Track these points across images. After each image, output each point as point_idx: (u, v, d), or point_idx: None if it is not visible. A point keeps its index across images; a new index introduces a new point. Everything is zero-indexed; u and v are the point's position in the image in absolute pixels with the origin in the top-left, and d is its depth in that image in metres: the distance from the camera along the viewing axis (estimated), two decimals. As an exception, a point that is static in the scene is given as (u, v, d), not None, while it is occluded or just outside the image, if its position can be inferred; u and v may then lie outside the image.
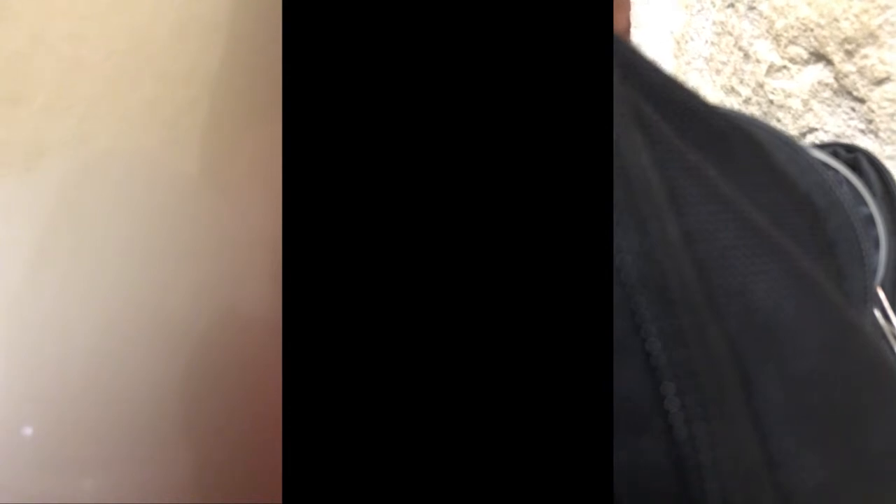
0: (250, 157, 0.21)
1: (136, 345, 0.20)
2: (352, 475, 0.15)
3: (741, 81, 0.69)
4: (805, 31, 0.60)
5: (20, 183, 0.20)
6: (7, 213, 0.20)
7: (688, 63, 0.77)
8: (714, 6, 0.72)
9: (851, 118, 0.59)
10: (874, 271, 0.24)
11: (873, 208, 0.26)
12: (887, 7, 0.53)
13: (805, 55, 0.61)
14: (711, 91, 0.73)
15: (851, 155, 0.28)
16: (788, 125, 0.64)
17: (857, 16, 0.55)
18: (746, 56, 0.68)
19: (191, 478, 0.20)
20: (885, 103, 0.55)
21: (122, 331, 0.20)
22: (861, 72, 0.56)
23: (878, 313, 0.25)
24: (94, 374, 0.20)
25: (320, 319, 0.16)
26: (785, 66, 0.63)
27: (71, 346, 0.20)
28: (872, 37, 0.55)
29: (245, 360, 0.21)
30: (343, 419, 0.16)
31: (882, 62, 0.55)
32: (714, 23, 0.72)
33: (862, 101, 0.57)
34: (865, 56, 0.56)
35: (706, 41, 0.73)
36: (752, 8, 0.66)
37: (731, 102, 0.70)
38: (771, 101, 0.66)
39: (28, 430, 0.20)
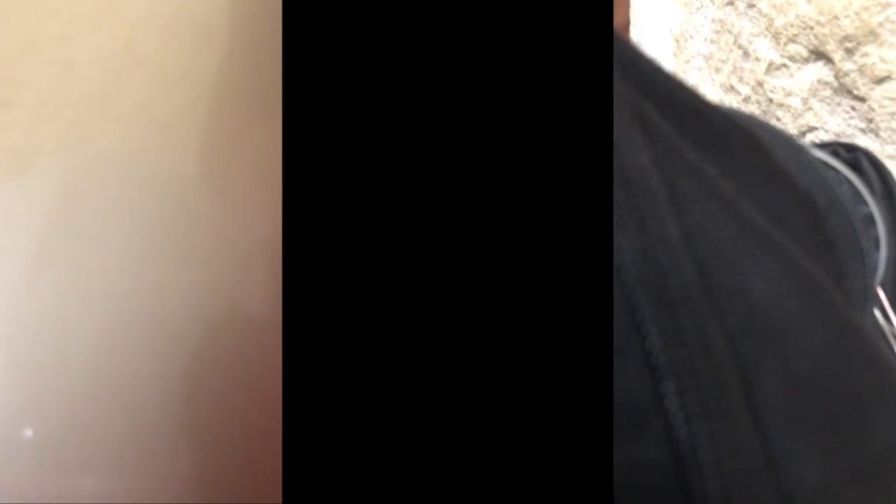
0: (249, 157, 0.21)
1: (136, 345, 0.20)
2: (352, 475, 0.15)
3: (740, 80, 0.69)
4: (805, 28, 0.60)
5: (12, 187, 0.19)
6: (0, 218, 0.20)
7: (687, 61, 0.77)
8: (713, 4, 0.72)
9: (852, 117, 0.58)
10: (874, 271, 0.24)
11: (873, 208, 0.26)
12: (888, 5, 0.53)
13: (805, 53, 0.61)
14: (711, 89, 0.73)
15: (851, 154, 0.28)
16: (788, 124, 0.64)
17: (857, 13, 0.55)
18: (746, 54, 0.67)
19: (191, 478, 0.20)
20: (886, 102, 0.55)
21: (122, 331, 0.20)
22: (861, 70, 0.56)
23: (878, 313, 0.25)
24: (94, 374, 0.20)
25: (320, 319, 0.16)
26: (784, 65, 0.63)
27: (71, 346, 0.20)
28: (873, 35, 0.55)
29: (245, 360, 0.21)
30: (343, 419, 0.16)
31: (883, 60, 0.55)
32: (713, 20, 0.72)
33: (862, 99, 0.57)
34: (866, 54, 0.55)
35: (705, 39, 0.73)
36: (751, 6, 0.66)
37: (731, 101, 0.70)
38: (770, 100, 0.66)
39: (28, 431, 0.20)
